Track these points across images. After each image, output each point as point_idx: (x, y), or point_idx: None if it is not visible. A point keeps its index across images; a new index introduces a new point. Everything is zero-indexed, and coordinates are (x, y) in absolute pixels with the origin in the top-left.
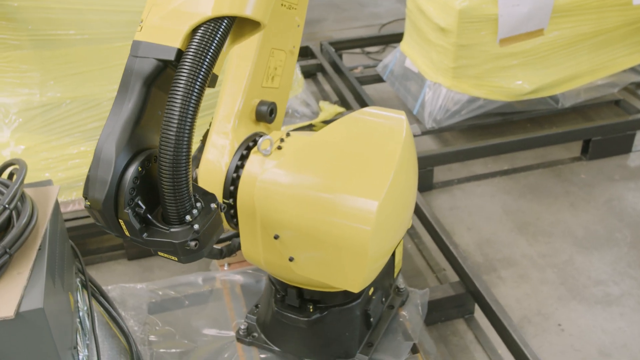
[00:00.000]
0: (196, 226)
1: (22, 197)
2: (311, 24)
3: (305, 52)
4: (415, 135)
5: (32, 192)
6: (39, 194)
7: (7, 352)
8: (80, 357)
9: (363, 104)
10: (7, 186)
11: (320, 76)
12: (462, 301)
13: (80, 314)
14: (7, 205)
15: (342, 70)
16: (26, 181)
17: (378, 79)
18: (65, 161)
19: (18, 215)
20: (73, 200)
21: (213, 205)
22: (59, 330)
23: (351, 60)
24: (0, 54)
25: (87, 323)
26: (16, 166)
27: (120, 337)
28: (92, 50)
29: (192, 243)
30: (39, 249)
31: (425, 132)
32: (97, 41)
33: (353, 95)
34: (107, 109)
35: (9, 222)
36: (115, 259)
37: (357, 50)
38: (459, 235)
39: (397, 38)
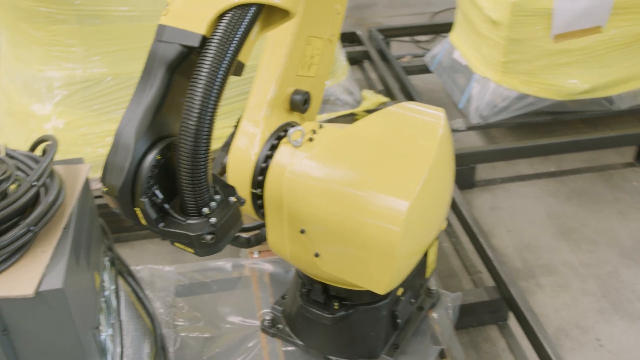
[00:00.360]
0: (213, 219)
1: (51, 175)
2: (360, 9)
3: (352, 38)
4: (459, 130)
5: (63, 169)
6: (69, 172)
7: (27, 330)
8: (103, 336)
9: (408, 94)
10: (37, 162)
11: (366, 64)
12: (497, 307)
13: (106, 293)
14: (34, 182)
15: (389, 58)
16: (66, 155)
17: (425, 70)
18: (104, 137)
19: (46, 192)
20: None
21: (232, 199)
22: (80, 310)
23: (400, 48)
24: (47, 28)
25: (113, 303)
26: (49, 142)
27: (146, 318)
28: (135, 27)
29: (208, 236)
30: (65, 228)
31: (470, 128)
32: (140, 19)
33: (398, 85)
34: None
35: (36, 199)
36: (149, 238)
37: (407, 38)
38: (499, 237)
39: (448, 28)
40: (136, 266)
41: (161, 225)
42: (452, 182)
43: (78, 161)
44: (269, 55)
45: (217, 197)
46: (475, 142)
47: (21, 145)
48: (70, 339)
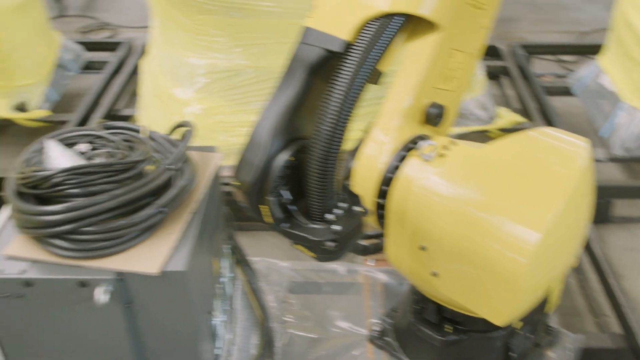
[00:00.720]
0: (336, 227)
1: (186, 160)
2: (504, 23)
3: (491, 52)
4: (599, 161)
5: (196, 155)
6: (202, 158)
7: (148, 306)
8: (216, 321)
9: (545, 116)
10: (174, 146)
11: (503, 79)
12: (622, 357)
13: (223, 280)
14: (170, 166)
15: (529, 76)
16: (201, 140)
17: (567, 91)
18: (239, 127)
19: (179, 176)
20: None
21: (357, 208)
22: (198, 293)
23: (542, 66)
24: (195, 16)
25: (229, 290)
26: (187, 128)
27: (257, 310)
28: (277, 23)
29: (331, 243)
30: (194, 213)
31: (611, 159)
32: (282, 15)
33: (536, 105)
34: None
35: (170, 181)
36: (270, 230)
37: (550, 56)
38: (632, 280)
39: (596, 50)
40: (254, 257)
41: (285, 225)
42: (588, 219)
43: (211, 149)
44: (408, 64)
45: (343, 205)
46: (614, 174)
47: (163, 125)
48: (187, 320)
